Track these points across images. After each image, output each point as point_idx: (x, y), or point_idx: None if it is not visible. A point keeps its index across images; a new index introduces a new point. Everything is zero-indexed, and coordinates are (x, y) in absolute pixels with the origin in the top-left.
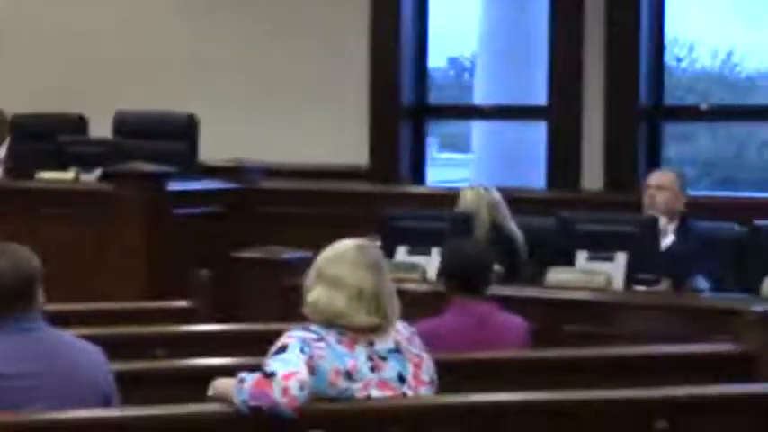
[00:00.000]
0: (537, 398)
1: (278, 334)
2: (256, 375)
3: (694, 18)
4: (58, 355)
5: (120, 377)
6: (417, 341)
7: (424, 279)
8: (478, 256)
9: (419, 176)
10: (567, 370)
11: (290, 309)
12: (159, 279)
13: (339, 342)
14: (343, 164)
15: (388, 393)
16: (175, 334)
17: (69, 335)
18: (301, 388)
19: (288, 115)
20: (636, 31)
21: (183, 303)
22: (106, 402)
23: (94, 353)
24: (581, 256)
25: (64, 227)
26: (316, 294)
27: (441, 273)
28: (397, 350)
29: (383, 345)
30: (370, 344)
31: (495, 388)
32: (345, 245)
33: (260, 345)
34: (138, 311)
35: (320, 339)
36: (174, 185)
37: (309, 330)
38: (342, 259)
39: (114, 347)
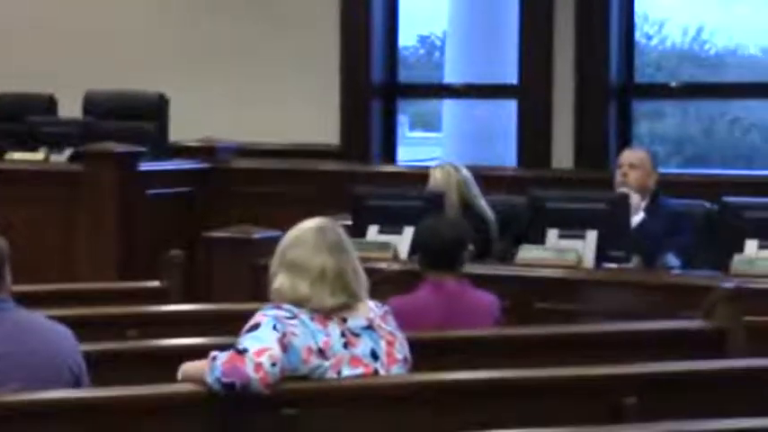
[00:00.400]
0: (508, 375)
1: (250, 313)
2: (228, 352)
3: None
4: (28, 335)
5: (91, 358)
6: (391, 320)
7: (396, 258)
8: (453, 234)
9: (390, 155)
10: (539, 347)
11: (262, 288)
12: (130, 260)
13: (312, 320)
14: (315, 143)
15: (360, 370)
16: (147, 314)
17: (39, 315)
18: (273, 364)
19: (258, 95)
20: (606, 9)
21: (154, 283)
22: (76, 383)
23: (64, 334)
24: (552, 234)
25: (34, 208)
26: (279, 281)
27: (415, 250)
28: (370, 327)
29: (356, 322)
30: (343, 320)
31: (467, 366)
32: (304, 228)
33: (232, 324)
34: (109, 292)
35: (293, 317)
36: (145, 166)
37: (282, 309)
38: (302, 243)
39: (85, 328)
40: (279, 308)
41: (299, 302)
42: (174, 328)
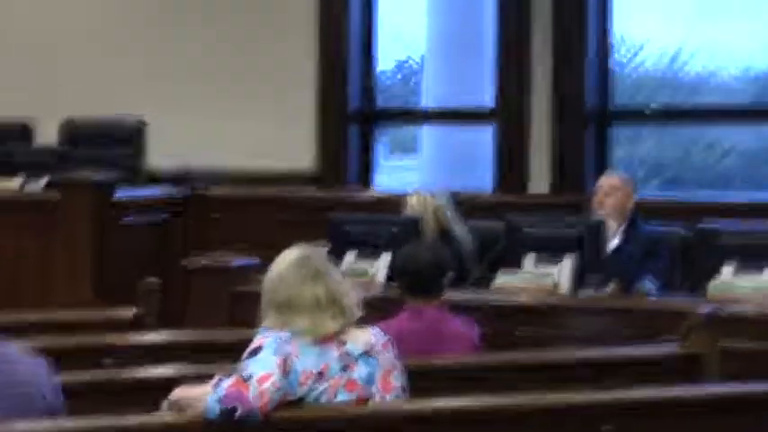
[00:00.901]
0: (486, 403)
1: (228, 343)
2: (233, 378)
3: (641, 18)
4: (3, 366)
5: (67, 388)
6: (392, 349)
7: (374, 284)
8: (432, 259)
9: (367, 181)
10: (516, 374)
11: (240, 316)
12: (107, 288)
13: (312, 343)
14: (291, 169)
15: (356, 395)
16: (123, 343)
17: (13, 346)
18: (275, 391)
19: (235, 120)
20: (583, 33)
21: (130, 312)
22: (52, 414)
23: (39, 364)
24: (529, 260)
25: (8, 237)
26: (273, 322)
27: (393, 276)
28: (369, 353)
29: (355, 346)
30: (343, 343)
31: (446, 393)
32: (285, 264)
33: (209, 354)
34: (85, 321)
35: (293, 340)
36: (121, 193)
37: (282, 331)
38: (286, 281)
39: (61, 358)
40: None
41: (301, 334)
42: (150, 358)
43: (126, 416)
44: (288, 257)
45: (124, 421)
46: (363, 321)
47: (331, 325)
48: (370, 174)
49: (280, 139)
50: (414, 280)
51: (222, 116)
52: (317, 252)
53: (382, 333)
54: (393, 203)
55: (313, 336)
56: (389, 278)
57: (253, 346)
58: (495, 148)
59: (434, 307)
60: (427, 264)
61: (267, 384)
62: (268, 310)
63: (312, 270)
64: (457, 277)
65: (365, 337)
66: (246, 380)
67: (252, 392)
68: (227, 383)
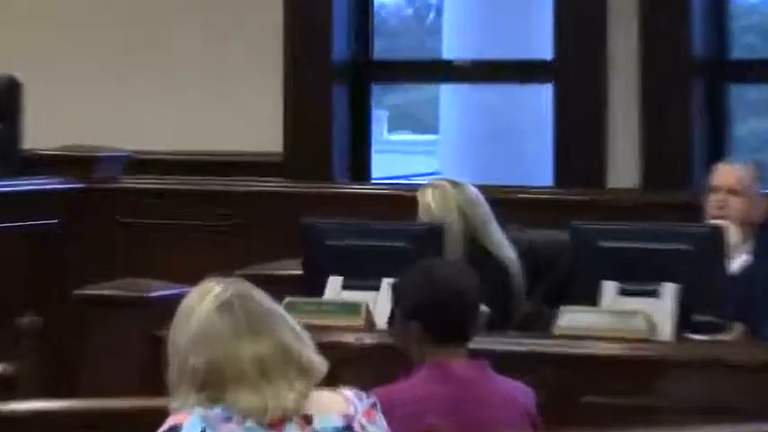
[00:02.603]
0: None
1: (142, 412)
2: None
3: None
4: None
5: None
6: (380, 417)
7: (371, 326)
8: (462, 289)
9: (360, 169)
10: None
11: (160, 373)
12: None
13: (261, 425)
14: (246, 151)
15: None
16: None
17: None
18: None
19: (156, 81)
20: None
21: None
22: None
23: None
24: (609, 289)
25: None
26: (194, 400)
27: (401, 315)
28: (349, 428)
29: (326, 422)
30: (307, 420)
31: None
32: (202, 311)
33: (117, 428)
34: None
35: (228, 419)
36: None
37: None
38: (209, 337)
39: None
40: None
41: (242, 414)
42: None
43: None
44: (205, 299)
45: None
46: (356, 384)
47: (288, 398)
48: (363, 159)
49: (227, 108)
50: (434, 320)
51: (137, 74)
52: (247, 286)
53: (363, 395)
54: (398, 203)
55: (260, 416)
56: (399, 316)
57: (166, 425)
58: (555, 121)
59: (467, 361)
60: (454, 294)
61: None
62: (182, 383)
63: (248, 315)
64: (498, 316)
65: (339, 406)
66: None
67: None
68: None
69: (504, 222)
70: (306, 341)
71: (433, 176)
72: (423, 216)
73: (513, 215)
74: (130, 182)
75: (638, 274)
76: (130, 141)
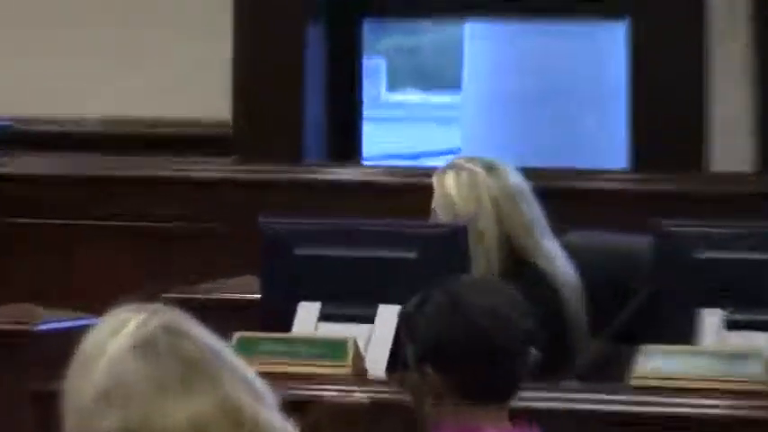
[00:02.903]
0: None
1: None
2: None
3: None
4: None
5: None
6: None
7: (362, 374)
8: (499, 322)
9: (344, 146)
10: None
11: None
12: None
13: None
14: (179, 120)
15: None
16: None
17: None
18: None
19: (86, 40)
20: None
21: None
22: None
23: None
24: (710, 320)
25: None
26: None
27: (414, 358)
28: None
29: None
30: None
31: None
32: (118, 353)
33: None
34: None
35: None
36: None
37: None
38: (125, 388)
39: None
40: None
41: None
42: None
43: None
44: (117, 335)
45: None
46: None
47: None
48: (350, 129)
49: (150, 60)
50: (464, 366)
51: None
52: (176, 318)
53: None
54: (402, 194)
55: None
56: (395, 362)
57: None
58: (633, 78)
59: (506, 423)
60: (493, 330)
61: None
62: None
63: (179, 359)
64: (546, 358)
65: None
66: None
67: None
68: None
69: (558, 223)
70: (264, 396)
71: (454, 155)
72: (440, 213)
73: (571, 213)
74: (24, 164)
75: (754, 299)
76: (11, 106)
